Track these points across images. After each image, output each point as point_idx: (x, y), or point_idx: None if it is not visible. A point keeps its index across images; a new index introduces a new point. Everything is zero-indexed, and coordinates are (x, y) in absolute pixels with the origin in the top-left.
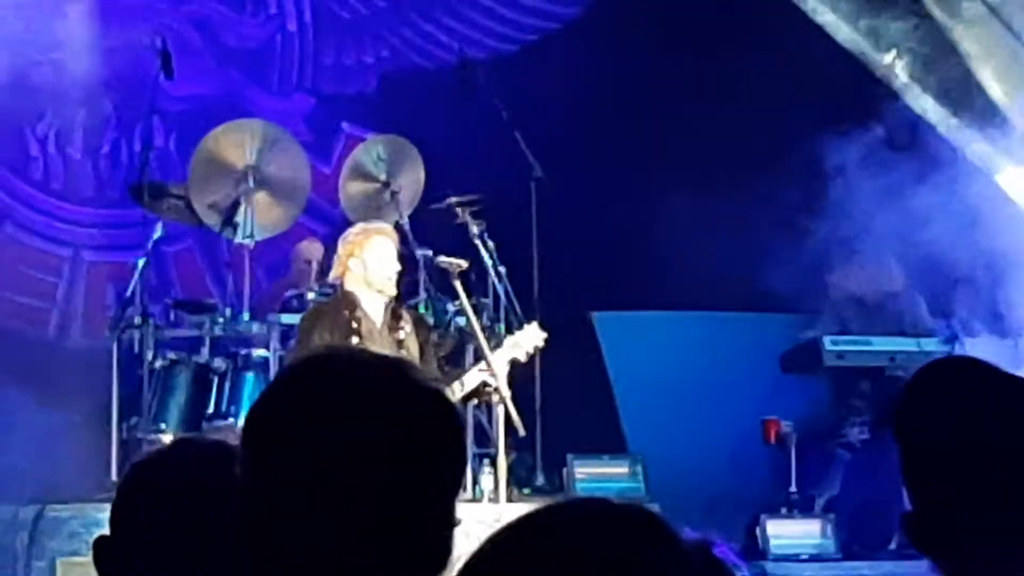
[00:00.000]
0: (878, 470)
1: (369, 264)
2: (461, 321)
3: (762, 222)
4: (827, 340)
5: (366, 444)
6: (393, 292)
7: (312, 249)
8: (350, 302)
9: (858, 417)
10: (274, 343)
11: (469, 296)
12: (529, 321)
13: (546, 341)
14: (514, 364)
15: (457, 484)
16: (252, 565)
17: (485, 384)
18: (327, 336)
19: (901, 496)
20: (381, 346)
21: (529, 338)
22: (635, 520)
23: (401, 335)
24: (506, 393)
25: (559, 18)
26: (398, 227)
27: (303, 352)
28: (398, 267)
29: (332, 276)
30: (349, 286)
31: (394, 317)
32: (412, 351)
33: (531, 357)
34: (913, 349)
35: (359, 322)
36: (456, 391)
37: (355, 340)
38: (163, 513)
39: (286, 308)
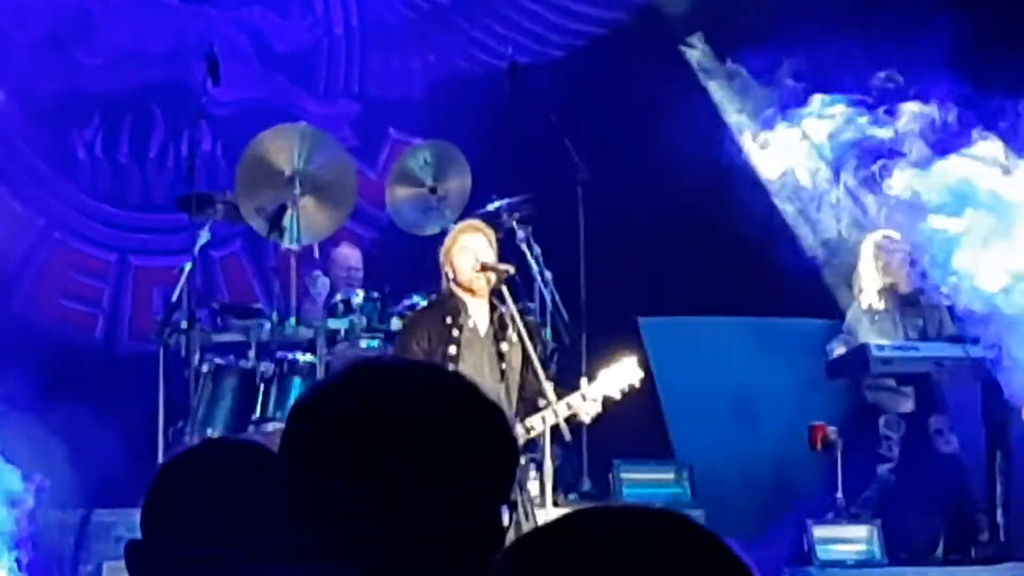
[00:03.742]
0: (923, 476)
1: (455, 264)
2: None
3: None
4: (873, 346)
5: (408, 450)
6: (481, 288)
7: (351, 256)
8: (453, 307)
9: (904, 423)
10: (320, 348)
11: (515, 301)
12: (618, 358)
13: (593, 346)
14: (608, 403)
15: (506, 491)
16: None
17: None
18: (424, 344)
19: (946, 502)
20: (481, 355)
21: (624, 375)
22: (667, 523)
23: (504, 347)
24: (589, 412)
25: (606, 23)
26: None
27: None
28: (483, 259)
29: (444, 284)
30: (455, 290)
31: (501, 326)
32: (514, 364)
33: (626, 395)
34: (960, 355)
35: (460, 329)
36: (521, 434)
37: (452, 349)
38: (191, 514)
39: (333, 313)
